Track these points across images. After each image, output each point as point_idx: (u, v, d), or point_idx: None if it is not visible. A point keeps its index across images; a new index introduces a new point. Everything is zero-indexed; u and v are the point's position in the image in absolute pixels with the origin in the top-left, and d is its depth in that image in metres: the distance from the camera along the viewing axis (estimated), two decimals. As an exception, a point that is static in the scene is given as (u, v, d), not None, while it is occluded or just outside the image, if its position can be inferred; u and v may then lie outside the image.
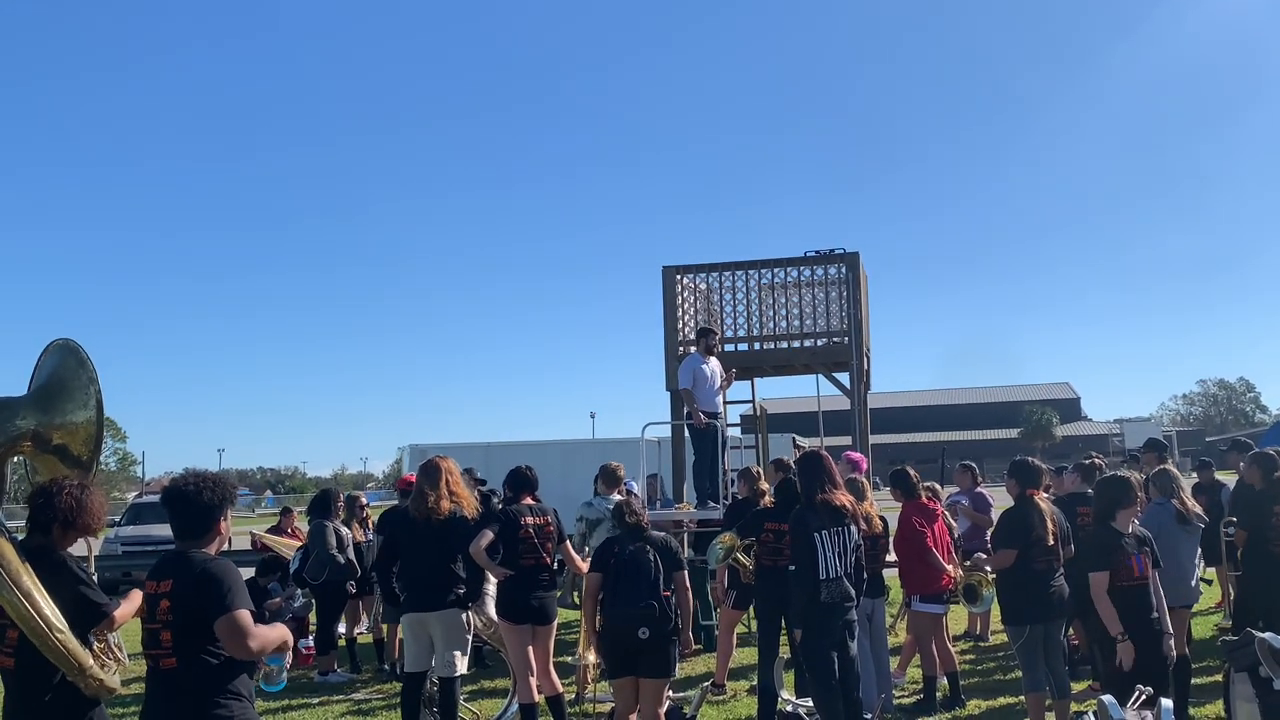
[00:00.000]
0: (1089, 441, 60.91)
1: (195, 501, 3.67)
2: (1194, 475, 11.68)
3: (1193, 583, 7.12)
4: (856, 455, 8.76)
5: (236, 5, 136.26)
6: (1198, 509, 7.19)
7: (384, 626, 9.63)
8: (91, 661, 3.88)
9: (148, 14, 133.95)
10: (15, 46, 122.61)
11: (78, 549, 4.99)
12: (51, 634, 3.78)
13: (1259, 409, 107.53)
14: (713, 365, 10.62)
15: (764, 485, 8.33)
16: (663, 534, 6.10)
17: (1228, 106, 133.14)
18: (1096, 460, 8.43)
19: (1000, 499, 7.91)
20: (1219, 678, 6.48)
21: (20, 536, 4.11)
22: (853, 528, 5.95)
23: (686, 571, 6.04)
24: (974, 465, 10.47)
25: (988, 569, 7.11)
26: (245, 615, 3.53)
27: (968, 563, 7.78)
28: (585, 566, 7.18)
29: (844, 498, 5.99)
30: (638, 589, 5.68)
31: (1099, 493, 6.09)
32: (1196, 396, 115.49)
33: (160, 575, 3.63)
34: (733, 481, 10.32)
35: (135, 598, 4.11)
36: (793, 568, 5.88)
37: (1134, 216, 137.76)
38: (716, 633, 9.89)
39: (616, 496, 8.33)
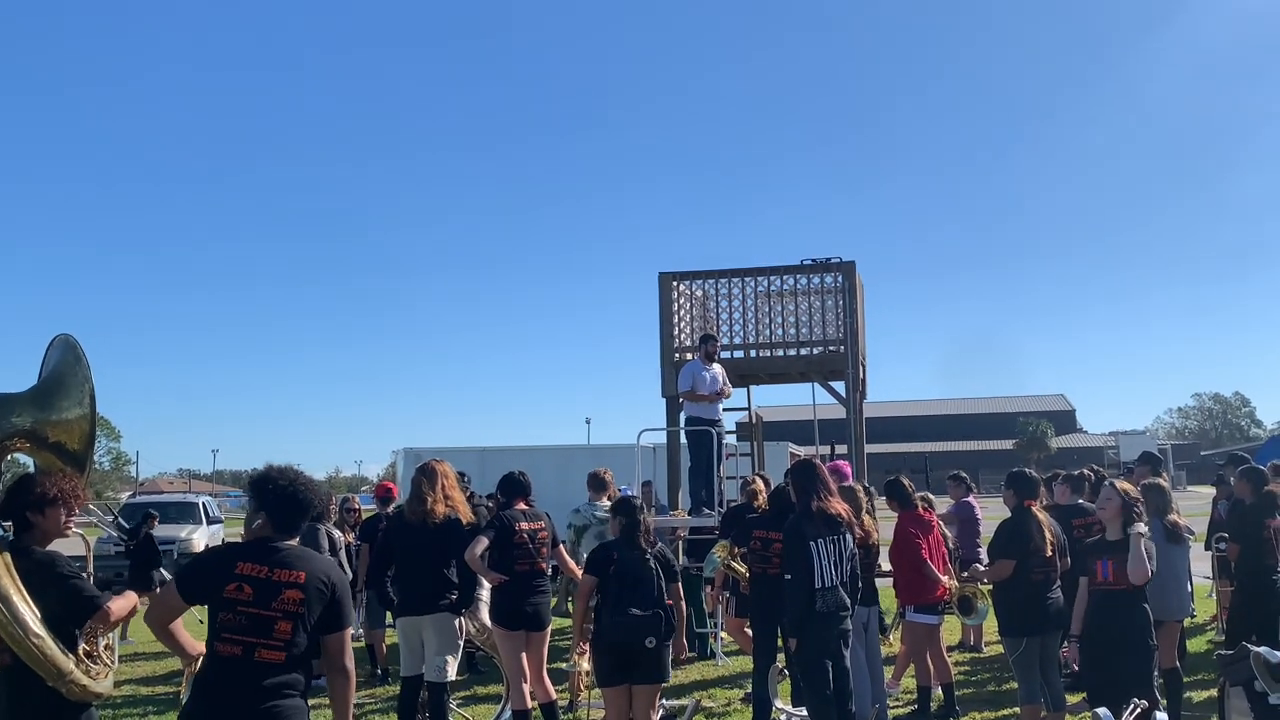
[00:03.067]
0: (1084, 453, 60.99)
1: (300, 498, 3.74)
2: (1212, 488, 11.69)
3: (1186, 596, 7.12)
4: (842, 464, 8.74)
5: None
6: (1184, 522, 7.20)
7: (374, 633, 9.60)
8: (73, 667, 3.71)
9: (153, 23, 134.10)
10: (14, 54, 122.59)
11: (76, 548, 4.96)
12: (27, 638, 3.63)
13: (1254, 423, 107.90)
14: (714, 371, 10.62)
15: (758, 486, 8.33)
16: (661, 545, 6.07)
17: (1226, 120, 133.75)
18: (1086, 472, 8.40)
19: (995, 510, 7.90)
20: (1214, 692, 6.47)
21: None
22: (848, 536, 5.94)
23: (680, 583, 6.01)
24: (965, 476, 10.47)
25: (984, 580, 7.10)
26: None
27: (965, 573, 7.76)
28: (580, 572, 7.17)
29: (839, 506, 5.98)
30: (643, 598, 5.56)
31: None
32: (1192, 410, 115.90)
33: (282, 564, 3.57)
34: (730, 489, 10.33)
35: (130, 596, 4.06)
36: (788, 576, 5.84)
37: (1130, 229, 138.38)
38: (710, 641, 9.91)
39: (605, 503, 8.31)
